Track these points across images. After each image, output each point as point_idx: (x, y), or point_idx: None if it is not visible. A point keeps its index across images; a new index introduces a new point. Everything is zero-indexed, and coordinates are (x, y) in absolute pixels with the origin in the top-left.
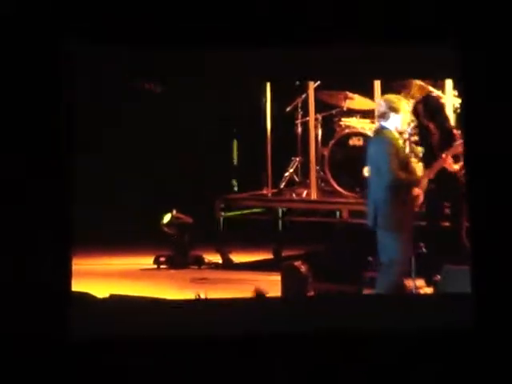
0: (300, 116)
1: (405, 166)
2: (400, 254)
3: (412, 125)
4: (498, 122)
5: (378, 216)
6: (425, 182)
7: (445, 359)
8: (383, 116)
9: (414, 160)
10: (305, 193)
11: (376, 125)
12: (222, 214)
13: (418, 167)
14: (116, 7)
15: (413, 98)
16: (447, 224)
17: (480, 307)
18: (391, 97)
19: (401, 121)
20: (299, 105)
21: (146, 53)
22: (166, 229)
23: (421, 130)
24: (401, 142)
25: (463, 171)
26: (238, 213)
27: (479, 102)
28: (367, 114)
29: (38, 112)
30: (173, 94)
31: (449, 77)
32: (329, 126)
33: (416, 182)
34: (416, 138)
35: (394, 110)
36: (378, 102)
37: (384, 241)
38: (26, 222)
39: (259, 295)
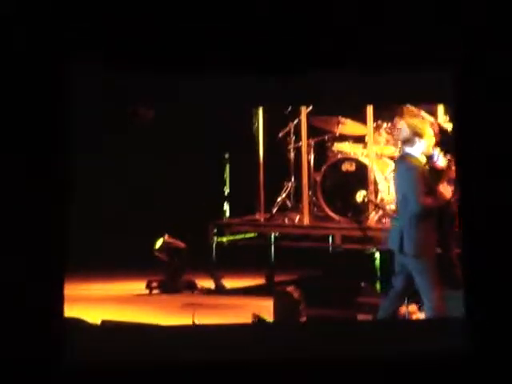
0: (292, 141)
1: (431, 190)
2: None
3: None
4: (490, 147)
5: (404, 241)
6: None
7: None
8: (408, 141)
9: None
10: (297, 218)
11: (400, 150)
12: (215, 238)
13: (446, 189)
14: (111, 33)
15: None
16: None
17: (473, 331)
18: (415, 121)
19: (426, 145)
20: (291, 130)
21: (138, 78)
22: (157, 254)
23: None
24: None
25: (454, 196)
26: (231, 238)
27: (471, 126)
28: (360, 139)
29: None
30: (165, 120)
31: (441, 101)
32: (321, 151)
33: (445, 205)
34: None
35: (419, 135)
36: (402, 127)
37: (408, 267)
38: (19, 246)
39: (258, 319)
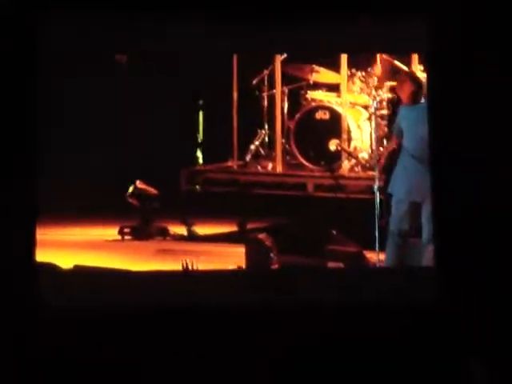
0: (266, 89)
1: None
2: None
3: (377, 99)
4: (463, 97)
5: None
6: None
7: (406, 332)
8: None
9: None
10: (270, 166)
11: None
12: (187, 185)
13: None
14: None
15: (379, 71)
16: None
17: (443, 281)
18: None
19: None
20: (265, 77)
21: (111, 22)
22: (129, 199)
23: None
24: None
25: None
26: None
27: (445, 76)
28: (333, 88)
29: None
30: (138, 66)
31: (415, 51)
32: (295, 99)
33: None
34: (382, 112)
35: None
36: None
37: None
38: None
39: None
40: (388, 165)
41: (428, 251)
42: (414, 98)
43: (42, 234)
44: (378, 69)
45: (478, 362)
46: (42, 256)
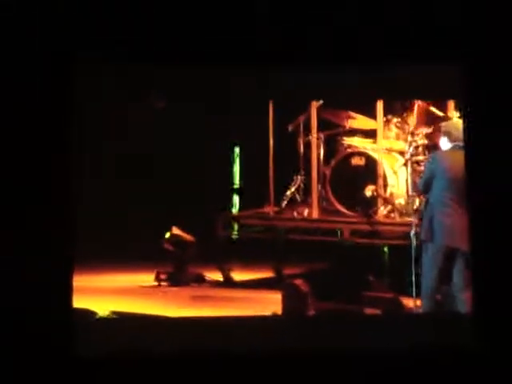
0: (302, 135)
1: None
2: None
3: (413, 145)
4: (501, 144)
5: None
6: None
7: (446, 379)
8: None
9: None
10: (306, 211)
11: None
12: (224, 231)
13: None
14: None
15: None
16: None
17: (480, 327)
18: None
19: None
20: (301, 123)
21: (150, 67)
22: (166, 246)
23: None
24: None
25: None
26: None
27: (482, 123)
28: (369, 134)
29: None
30: (175, 110)
31: (451, 97)
32: (331, 145)
33: None
34: (418, 157)
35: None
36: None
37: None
38: (28, 238)
39: None
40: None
41: (461, 299)
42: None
43: (79, 280)
44: (413, 117)
45: None
46: (78, 302)
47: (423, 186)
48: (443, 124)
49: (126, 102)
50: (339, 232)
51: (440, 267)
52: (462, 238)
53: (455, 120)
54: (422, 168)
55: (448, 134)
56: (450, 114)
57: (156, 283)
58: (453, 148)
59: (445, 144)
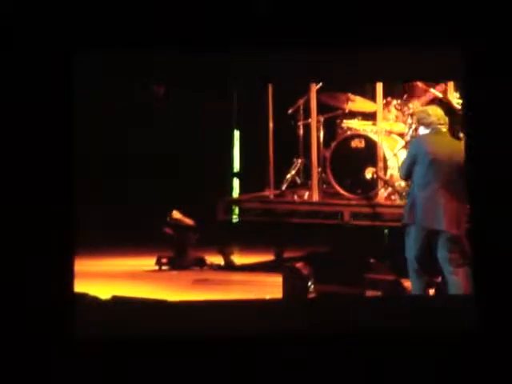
0: (302, 118)
1: None
2: None
3: (413, 127)
4: (500, 125)
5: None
6: None
7: (447, 360)
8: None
9: None
10: (306, 194)
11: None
12: (224, 215)
13: None
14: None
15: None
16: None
17: (482, 308)
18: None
19: None
20: (301, 106)
21: (147, 54)
22: (166, 230)
23: None
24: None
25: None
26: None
27: (481, 104)
28: (369, 116)
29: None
30: (175, 96)
31: (450, 79)
32: (330, 127)
33: None
34: None
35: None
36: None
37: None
38: (29, 223)
39: None
40: None
41: (452, 281)
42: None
43: (80, 264)
44: (413, 98)
45: None
46: (80, 287)
47: (405, 172)
48: (415, 114)
49: (125, 89)
50: (340, 215)
51: (423, 250)
52: (444, 220)
53: (424, 107)
54: None
55: (422, 122)
56: (449, 96)
57: (157, 267)
58: (431, 132)
59: (423, 131)
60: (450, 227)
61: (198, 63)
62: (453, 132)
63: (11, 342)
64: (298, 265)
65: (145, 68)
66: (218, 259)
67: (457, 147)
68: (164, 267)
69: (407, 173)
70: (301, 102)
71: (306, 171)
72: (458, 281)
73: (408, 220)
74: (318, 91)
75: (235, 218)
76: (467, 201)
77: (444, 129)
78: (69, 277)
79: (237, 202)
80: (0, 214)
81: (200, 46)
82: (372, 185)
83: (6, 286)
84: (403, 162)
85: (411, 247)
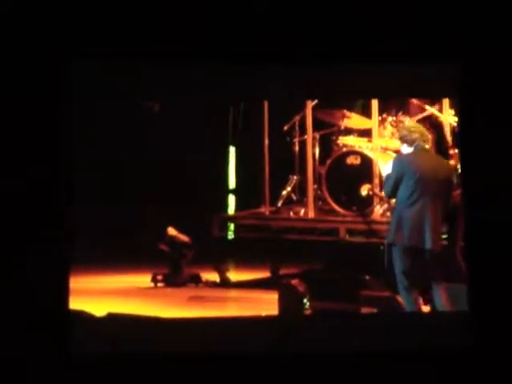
0: (298, 134)
1: None
2: None
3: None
4: (495, 142)
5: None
6: None
7: (443, 377)
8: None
9: None
10: (302, 211)
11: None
12: (220, 232)
13: None
14: (115, 24)
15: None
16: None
17: (477, 324)
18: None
19: None
20: (297, 123)
21: (143, 71)
22: (161, 247)
23: None
24: None
25: (458, 191)
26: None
27: (476, 121)
28: (365, 133)
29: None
30: (170, 112)
31: (446, 96)
32: (326, 144)
33: None
34: None
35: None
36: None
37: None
38: (23, 238)
39: None
40: None
41: (439, 294)
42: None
43: (75, 282)
44: (408, 115)
45: None
46: (75, 304)
47: (391, 190)
48: (398, 133)
49: (120, 103)
50: (335, 231)
51: (410, 264)
52: (431, 240)
53: (406, 124)
54: None
55: (405, 140)
56: (444, 113)
57: (152, 284)
58: (415, 149)
59: (406, 149)
60: (435, 246)
61: (195, 77)
62: (437, 148)
63: (6, 358)
64: (294, 282)
65: (138, 83)
66: (213, 276)
67: (441, 163)
68: (159, 284)
69: (392, 190)
70: (296, 118)
71: (301, 188)
72: (439, 297)
73: (396, 240)
74: (314, 108)
75: (230, 235)
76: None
77: (427, 145)
78: (64, 294)
79: (232, 218)
80: None
81: (196, 60)
82: (368, 201)
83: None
84: (387, 180)
85: (398, 263)
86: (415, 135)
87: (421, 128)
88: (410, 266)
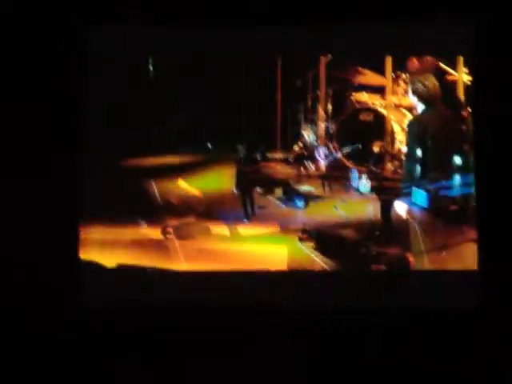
0: (310, 90)
1: None
2: None
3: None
4: (508, 102)
5: None
6: None
7: (448, 337)
8: None
9: None
10: (313, 167)
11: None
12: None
13: None
14: None
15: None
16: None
17: (486, 284)
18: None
19: None
20: (310, 79)
21: (152, 29)
22: (172, 200)
23: None
24: None
25: None
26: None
27: (490, 79)
28: (378, 90)
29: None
30: (183, 67)
31: (461, 54)
32: (339, 100)
33: None
34: None
35: None
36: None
37: None
38: (33, 191)
39: None
40: None
41: None
42: None
43: (86, 232)
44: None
45: None
46: (85, 255)
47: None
48: (410, 84)
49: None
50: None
51: None
52: None
53: (419, 77)
54: None
55: (418, 93)
56: (459, 70)
57: (162, 236)
58: (427, 108)
59: (416, 102)
60: None
61: (206, 38)
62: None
63: (16, 309)
64: (304, 237)
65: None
66: (223, 229)
67: (450, 118)
68: (169, 236)
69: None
70: (310, 74)
71: (313, 144)
72: None
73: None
74: (328, 64)
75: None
76: None
77: (437, 100)
78: (74, 244)
79: (243, 172)
80: (5, 184)
81: (206, 21)
82: (379, 158)
83: (11, 252)
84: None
85: None
86: (428, 88)
87: (433, 80)
88: None
